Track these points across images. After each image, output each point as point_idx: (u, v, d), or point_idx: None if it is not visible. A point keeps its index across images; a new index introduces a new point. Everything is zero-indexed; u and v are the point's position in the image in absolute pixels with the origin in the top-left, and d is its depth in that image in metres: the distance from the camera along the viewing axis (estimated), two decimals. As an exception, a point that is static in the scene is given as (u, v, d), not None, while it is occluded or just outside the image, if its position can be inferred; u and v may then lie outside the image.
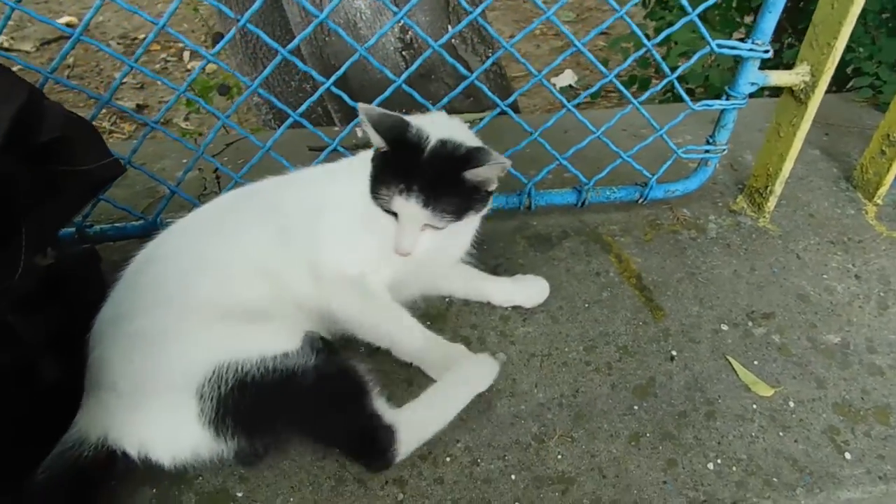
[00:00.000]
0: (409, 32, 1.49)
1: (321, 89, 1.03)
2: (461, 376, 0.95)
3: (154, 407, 0.80)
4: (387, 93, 1.04)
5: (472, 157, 0.87)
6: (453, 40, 1.55)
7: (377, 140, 0.86)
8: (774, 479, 0.94)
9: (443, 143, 0.88)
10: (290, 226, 0.96)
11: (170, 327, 0.84)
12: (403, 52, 1.49)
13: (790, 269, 1.22)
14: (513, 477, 0.90)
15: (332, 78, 1.01)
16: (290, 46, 0.97)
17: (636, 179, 1.27)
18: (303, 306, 0.94)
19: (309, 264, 0.95)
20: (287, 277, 0.94)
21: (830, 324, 1.14)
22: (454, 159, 0.87)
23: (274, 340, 0.84)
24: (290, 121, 1.06)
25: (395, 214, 0.89)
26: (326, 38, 1.50)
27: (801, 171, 1.44)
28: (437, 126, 0.90)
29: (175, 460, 0.81)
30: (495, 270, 1.15)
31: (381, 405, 0.87)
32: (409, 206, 0.87)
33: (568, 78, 3.83)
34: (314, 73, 1.01)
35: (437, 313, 1.08)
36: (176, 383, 0.80)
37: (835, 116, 1.67)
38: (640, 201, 1.26)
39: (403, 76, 1.03)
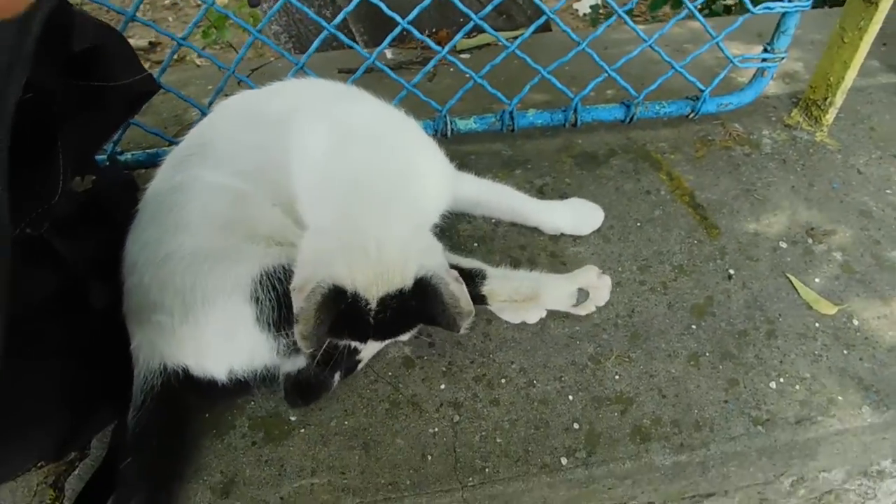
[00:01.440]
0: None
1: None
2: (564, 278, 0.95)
3: (209, 317, 0.77)
4: (413, 13, 0.98)
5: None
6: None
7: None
8: (839, 398, 0.91)
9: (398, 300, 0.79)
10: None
11: (207, 248, 0.80)
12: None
13: (851, 185, 1.16)
14: (570, 398, 0.88)
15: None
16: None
17: (686, 94, 1.20)
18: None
19: None
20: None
21: (894, 239, 1.08)
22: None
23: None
24: (324, 34, 1.00)
25: None
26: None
27: (858, 83, 1.35)
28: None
29: (231, 372, 0.79)
30: (542, 190, 1.10)
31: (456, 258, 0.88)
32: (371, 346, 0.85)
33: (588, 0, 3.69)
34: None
35: (483, 234, 1.04)
36: (227, 290, 0.77)
37: (892, 26, 1.57)
38: (692, 116, 1.20)
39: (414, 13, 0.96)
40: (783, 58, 1.14)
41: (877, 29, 1.08)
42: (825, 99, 1.19)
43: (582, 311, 0.94)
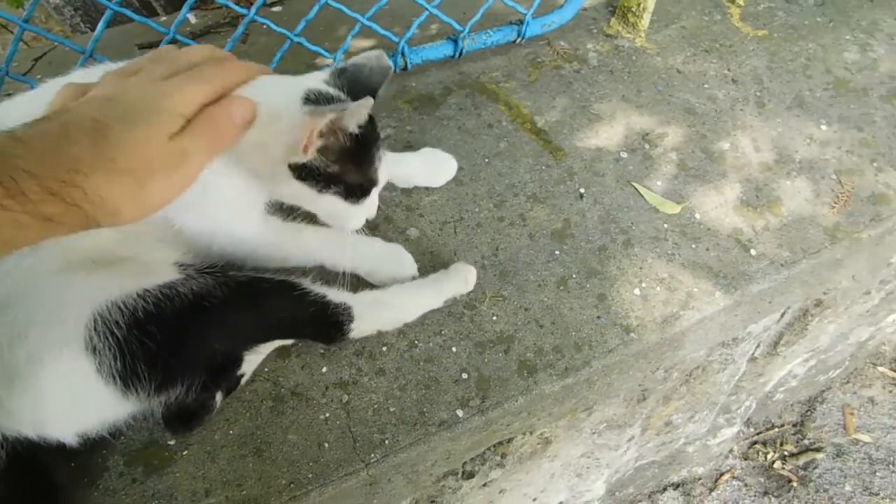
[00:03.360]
0: None
1: None
2: (439, 280, 0.89)
3: (39, 381, 0.66)
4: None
5: (383, 71, 0.79)
6: None
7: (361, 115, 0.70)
8: (695, 289, 0.97)
9: (353, 74, 0.77)
10: None
11: (17, 291, 0.68)
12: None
13: (673, 85, 1.21)
14: (454, 349, 0.87)
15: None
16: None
17: (509, 19, 1.18)
18: (166, 241, 0.80)
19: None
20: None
21: (718, 131, 1.15)
22: (370, 81, 0.77)
23: (145, 275, 0.71)
24: (108, 14, 0.87)
25: (372, 186, 0.78)
26: None
27: (664, -16, 1.41)
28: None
29: (81, 435, 0.69)
30: (385, 143, 1.06)
31: (322, 288, 0.79)
32: (385, 164, 0.79)
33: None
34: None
35: (333, 202, 0.98)
36: (55, 344, 0.66)
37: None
38: (518, 41, 1.19)
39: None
40: (594, -31, 1.15)
41: (674, -70, 1.11)
42: (638, 5, 1.22)
43: None
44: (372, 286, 0.88)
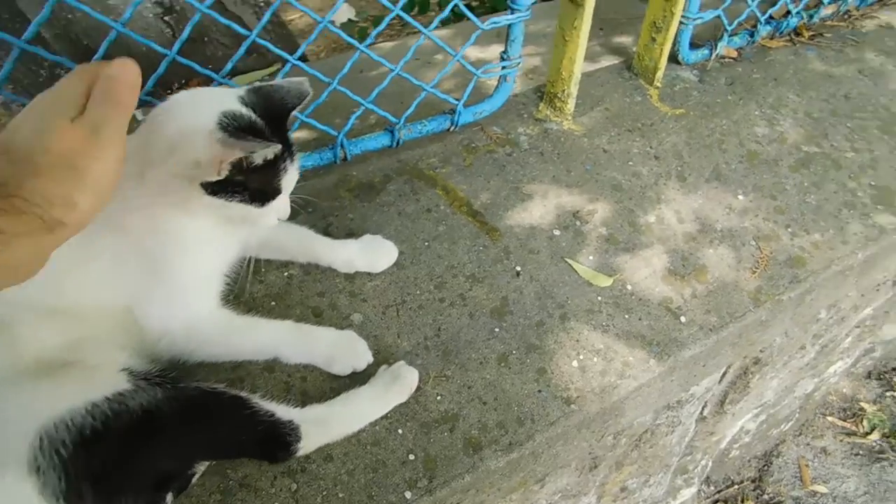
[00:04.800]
0: (167, -4, 1.34)
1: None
2: (380, 388, 0.90)
3: None
4: (160, 69, 0.93)
5: (301, 94, 0.83)
6: (219, -5, 1.41)
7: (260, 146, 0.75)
8: (630, 358, 1.02)
9: (268, 93, 0.82)
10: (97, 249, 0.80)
11: None
12: (165, 18, 1.33)
13: (600, 164, 1.29)
14: (400, 431, 0.89)
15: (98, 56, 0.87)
16: (26, 35, 0.82)
17: (443, 108, 1.26)
18: (113, 342, 0.82)
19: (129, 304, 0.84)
20: (90, 312, 0.81)
21: (644, 205, 1.23)
22: (285, 102, 0.82)
23: (92, 386, 0.72)
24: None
25: (277, 192, 0.83)
26: (70, 16, 1.30)
27: (588, 69, 1.51)
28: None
29: None
30: (327, 231, 1.10)
31: (270, 405, 0.81)
32: (294, 171, 0.83)
33: (346, 12, 3.73)
34: (66, 61, 0.86)
35: (278, 290, 1.01)
36: None
37: (606, 10, 1.76)
38: (452, 129, 1.26)
39: (175, 49, 0.92)
40: (519, 62, 1.23)
41: (588, 26, 1.21)
42: (563, 91, 1.31)
43: None
44: (319, 398, 0.90)
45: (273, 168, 0.80)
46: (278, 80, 0.85)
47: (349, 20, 2.45)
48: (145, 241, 0.80)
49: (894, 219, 1.30)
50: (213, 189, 0.76)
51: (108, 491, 0.69)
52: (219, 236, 0.86)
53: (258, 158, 0.76)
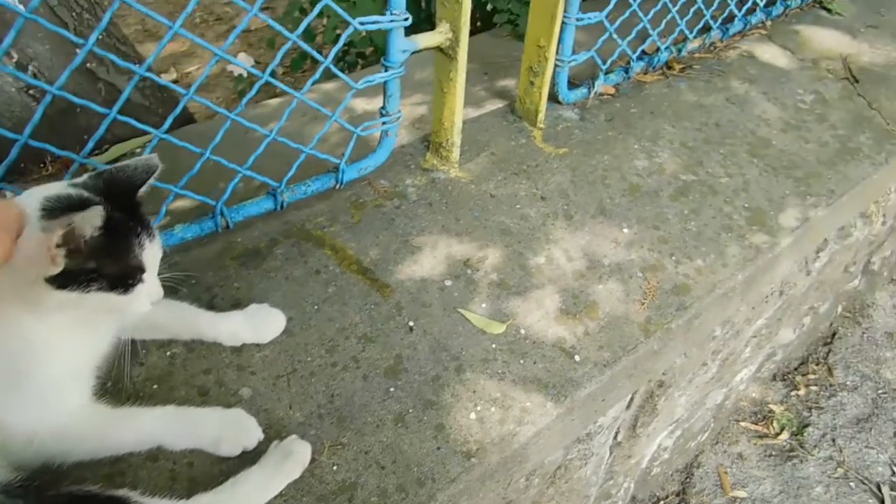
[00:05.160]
0: (31, 66, 1.28)
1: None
2: (270, 467, 0.86)
3: None
4: (11, 154, 0.88)
5: (149, 170, 0.81)
6: (88, 65, 1.36)
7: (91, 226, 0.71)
8: (528, 403, 1.03)
9: (111, 174, 0.79)
10: None
11: None
12: (31, 91, 1.28)
13: (488, 209, 1.31)
14: (294, 509, 0.87)
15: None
16: None
17: (328, 166, 1.25)
18: None
19: None
20: None
21: (533, 247, 1.26)
22: (132, 180, 0.80)
23: None
24: None
25: (139, 272, 0.79)
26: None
27: (472, 114, 1.55)
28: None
29: None
30: (212, 303, 1.07)
31: (152, 501, 0.77)
32: (154, 247, 0.80)
33: (245, 60, 3.69)
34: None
35: (160, 372, 0.97)
36: None
37: (490, 54, 1.82)
38: (338, 186, 1.26)
39: (26, 133, 0.87)
40: (399, 117, 1.25)
41: (463, 77, 1.24)
42: (447, 140, 1.33)
43: None
44: (208, 485, 0.86)
45: (126, 246, 0.76)
46: (124, 161, 0.82)
47: (239, 76, 2.42)
48: (5, 345, 0.76)
49: (768, 237, 1.38)
50: (61, 282, 0.72)
51: None
52: (85, 330, 0.81)
53: (87, 229, 0.70)
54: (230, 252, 1.15)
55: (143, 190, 0.82)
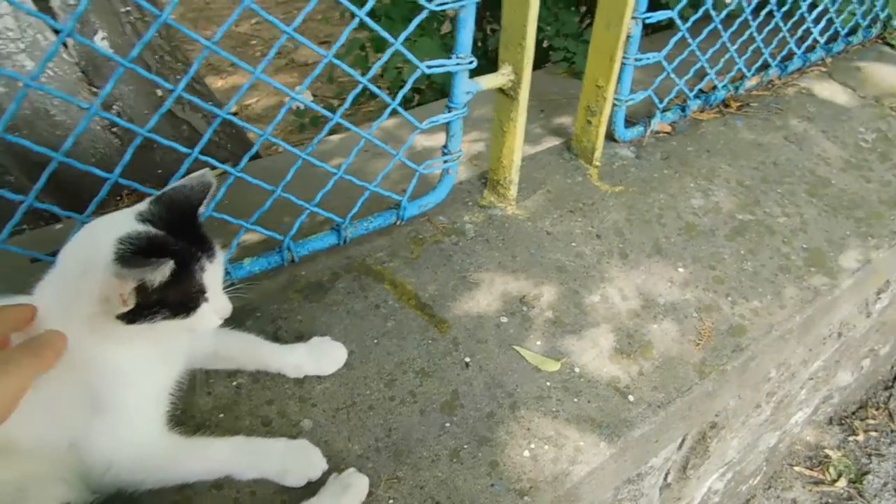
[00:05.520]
0: (115, 106, 1.36)
1: (27, 201, 0.91)
2: (328, 500, 0.89)
3: None
4: (101, 192, 0.95)
5: (204, 187, 0.84)
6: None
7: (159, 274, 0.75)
8: (581, 443, 1.03)
9: (170, 198, 0.83)
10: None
11: None
12: (113, 129, 1.36)
13: (544, 247, 1.33)
14: (352, 540, 0.89)
15: (33, 193, 0.89)
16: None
17: (389, 203, 1.30)
18: (55, 477, 0.81)
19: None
20: (31, 448, 0.80)
21: (588, 285, 1.27)
22: (191, 201, 0.83)
23: None
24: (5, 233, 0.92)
25: (200, 295, 0.82)
26: (17, 133, 1.32)
27: (528, 151, 1.57)
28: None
29: None
30: (276, 335, 1.11)
31: None
32: (216, 265, 0.82)
33: (307, 97, 3.82)
34: (9, 195, 0.88)
35: (226, 402, 1.02)
36: None
37: (546, 91, 1.85)
38: (398, 223, 1.30)
39: (116, 172, 0.94)
40: (460, 155, 1.28)
41: (524, 117, 1.27)
42: (505, 178, 1.36)
43: None
44: None
45: (187, 276, 0.79)
46: (179, 182, 0.85)
47: (298, 109, 2.51)
48: (84, 376, 0.80)
49: (827, 279, 1.36)
50: (131, 318, 0.76)
51: None
52: (158, 358, 0.86)
53: (157, 279, 0.75)
54: (294, 285, 1.20)
55: (201, 210, 0.85)
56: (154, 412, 0.88)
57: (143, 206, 0.82)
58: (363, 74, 1.03)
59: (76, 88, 1.31)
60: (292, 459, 0.93)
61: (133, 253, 0.75)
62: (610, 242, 1.36)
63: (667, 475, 1.61)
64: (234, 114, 1.40)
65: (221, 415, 1.00)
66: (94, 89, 1.33)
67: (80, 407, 0.82)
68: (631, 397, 1.11)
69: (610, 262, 1.32)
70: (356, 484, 0.91)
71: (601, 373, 1.13)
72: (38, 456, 0.80)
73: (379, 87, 1.11)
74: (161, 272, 0.74)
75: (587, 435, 1.05)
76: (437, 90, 2.37)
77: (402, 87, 1.15)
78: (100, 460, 0.84)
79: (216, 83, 3.80)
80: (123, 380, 0.83)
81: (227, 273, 1.10)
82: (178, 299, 0.80)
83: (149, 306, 0.77)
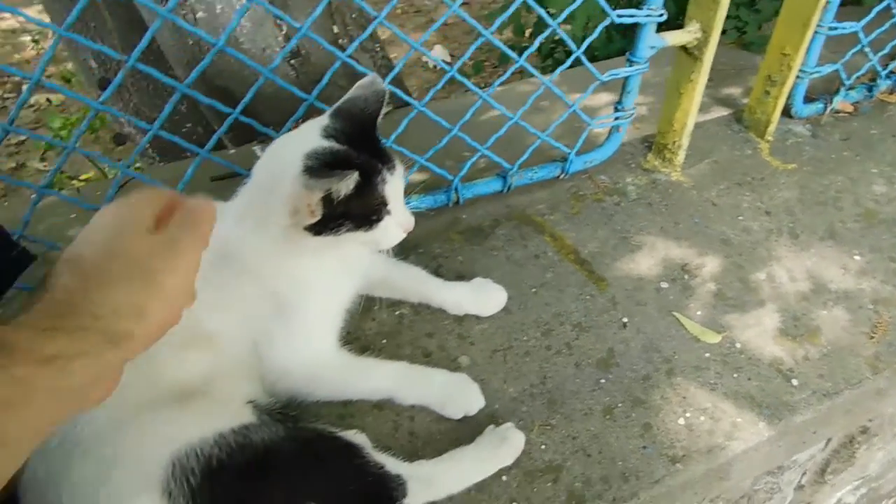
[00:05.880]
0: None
1: (230, 119, 0.96)
2: (486, 450, 0.90)
3: None
4: (298, 112, 0.99)
5: (378, 96, 0.85)
6: (340, 41, 1.49)
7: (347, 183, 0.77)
8: (739, 420, 0.99)
9: (348, 111, 0.84)
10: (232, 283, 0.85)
11: (105, 426, 0.72)
12: (291, 61, 1.42)
13: (709, 217, 1.28)
14: (504, 478, 0.90)
15: (240, 107, 0.94)
16: (188, 81, 0.90)
17: (553, 155, 1.28)
18: (242, 375, 0.87)
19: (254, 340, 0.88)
20: (224, 345, 0.85)
21: (755, 262, 1.21)
22: (367, 112, 0.84)
23: (221, 416, 0.76)
24: (198, 159, 0.99)
25: (383, 207, 0.83)
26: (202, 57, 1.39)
27: (696, 120, 1.50)
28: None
29: None
30: (437, 272, 1.13)
31: (380, 456, 0.82)
32: (396, 178, 0.83)
33: (439, 53, 3.85)
34: (217, 105, 0.94)
35: (389, 329, 1.05)
36: (136, 488, 0.69)
37: (714, 61, 1.75)
38: (561, 176, 1.28)
39: (314, 94, 0.98)
40: (633, 114, 1.24)
41: (705, 79, 1.21)
42: (674, 142, 1.31)
43: None
44: (426, 439, 0.92)
45: (370, 189, 0.81)
46: (352, 91, 0.85)
47: (443, 61, 2.53)
48: (275, 285, 0.85)
49: None
50: (318, 229, 0.79)
51: None
52: (342, 274, 0.90)
53: (342, 189, 0.77)
54: (455, 227, 1.21)
55: (379, 120, 0.85)
56: (331, 326, 0.92)
57: (324, 120, 0.84)
58: (517, 36, 1.01)
59: (264, 19, 1.37)
60: (453, 391, 0.95)
61: (320, 166, 0.77)
62: (780, 221, 1.29)
63: (803, 475, 1.52)
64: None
65: (384, 340, 1.03)
66: (279, 21, 1.39)
67: (268, 313, 0.87)
68: (795, 381, 1.05)
69: (778, 241, 1.25)
70: (513, 438, 0.91)
71: (763, 352, 1.08)
72: (228, 352, 0.86)
73: (524, 46, 1.09)
74: (346, 183, 0.76)
75: (745, 412, 1.00)
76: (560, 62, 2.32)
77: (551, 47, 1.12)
78: (277, 367, 0.89)
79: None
80: (309, 291, 0.87)
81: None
82: (362, 211, 0.81)
83: (334, 218, 0.79)
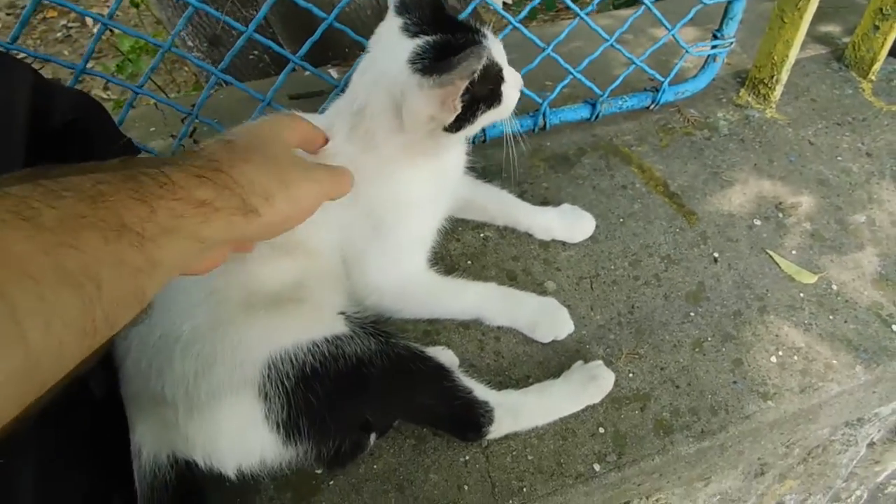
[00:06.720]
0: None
1: (324, 25, 0.93)
2: (575, 387, 0.88)
3: (215, 415, 0.70)
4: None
5: None
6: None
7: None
8: (834, 362, 0.95)
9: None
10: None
11: (204, 325, 0.73)
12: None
13: (805, 156, 1.21)
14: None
15: (334, 13, 0.92)
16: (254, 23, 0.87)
17: (643, 85, 1.22)
18: (333, 287, 0.86)
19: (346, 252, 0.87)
20: (319, 255, 0.85)
21: (854, 204, 1.14)
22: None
23: (315, 324, 0.76)
24: (290, 66, 0.97)
25: (500, 74, 0.79)
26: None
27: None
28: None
29: (240, 469, 0.72)
30: (522, 197, 1.10)
31: (469, 381, 0.81)
32: (492, 40, 0.78)
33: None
34: (315, 10, 0.91)
35: (474, 251, 1.03)
36: (234, 386, 0.70)
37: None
38: (652, 107, 1.22)
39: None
40: (732, 42, 1.18)
41: (814, 8, 1.14)
42: (772, 77, 1.24)
43: None
44: (511, 360, 0.91)
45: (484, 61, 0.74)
46: None
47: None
48: (372, 203, 0.83)
49: None
50: (458, 124, 0.76)
51: (321, 430, 0.72)
52: (440, 192, 0.87)
53: (477, 69, 0.71)
54: (540, 154, 1.17)
55: None
56: (424, 246, 0.90)
57: (395, 21, 0.77)
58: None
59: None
60: (543, 315, 0.93)
61: (436, 62, 0.71)
62: (882, 163, 1.21)
63: (878, 431, 1.48)
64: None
65: (469, 262, 1.01)
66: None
67: (363, 228, 0.85)
68: (895, 327, 1.00)
69: (881, 184, 1.18)
70: (603, 376, 0.89)
71: (861, 296, 1.03)
72: (322, 262, 0.85)
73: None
74: (481, 61, 0.70)
75: (841, 355, 0.96)
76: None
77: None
78: (369, 284, 0.88)
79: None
80: (409, 209, 0.85)
81: (481, 131, 1.10)
82: (487, 87, 0.77)
83: (468, 106, 0.75)
